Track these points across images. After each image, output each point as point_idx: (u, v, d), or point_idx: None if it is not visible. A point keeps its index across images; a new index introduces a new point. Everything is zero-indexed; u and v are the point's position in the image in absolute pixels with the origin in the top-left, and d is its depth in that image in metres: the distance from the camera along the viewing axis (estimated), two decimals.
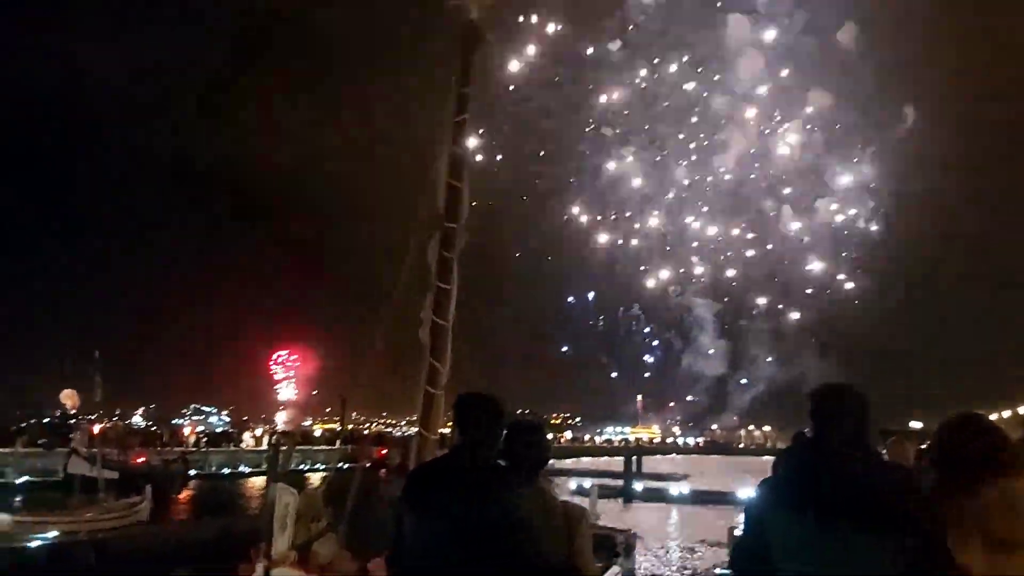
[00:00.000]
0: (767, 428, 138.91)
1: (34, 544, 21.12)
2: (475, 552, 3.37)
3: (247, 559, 8.28)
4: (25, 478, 46.55)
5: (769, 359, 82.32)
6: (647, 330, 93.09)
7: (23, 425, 72.11)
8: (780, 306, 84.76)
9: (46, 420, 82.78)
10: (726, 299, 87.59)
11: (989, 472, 3.16)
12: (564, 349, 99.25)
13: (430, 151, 7.36)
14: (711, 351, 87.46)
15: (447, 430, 7.38)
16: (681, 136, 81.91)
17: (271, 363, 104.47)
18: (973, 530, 2.96)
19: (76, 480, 33.48)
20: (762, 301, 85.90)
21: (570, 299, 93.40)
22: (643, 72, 79.78)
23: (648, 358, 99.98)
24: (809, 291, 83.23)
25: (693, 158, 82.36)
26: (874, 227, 79.59)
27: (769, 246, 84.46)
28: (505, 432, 3.92)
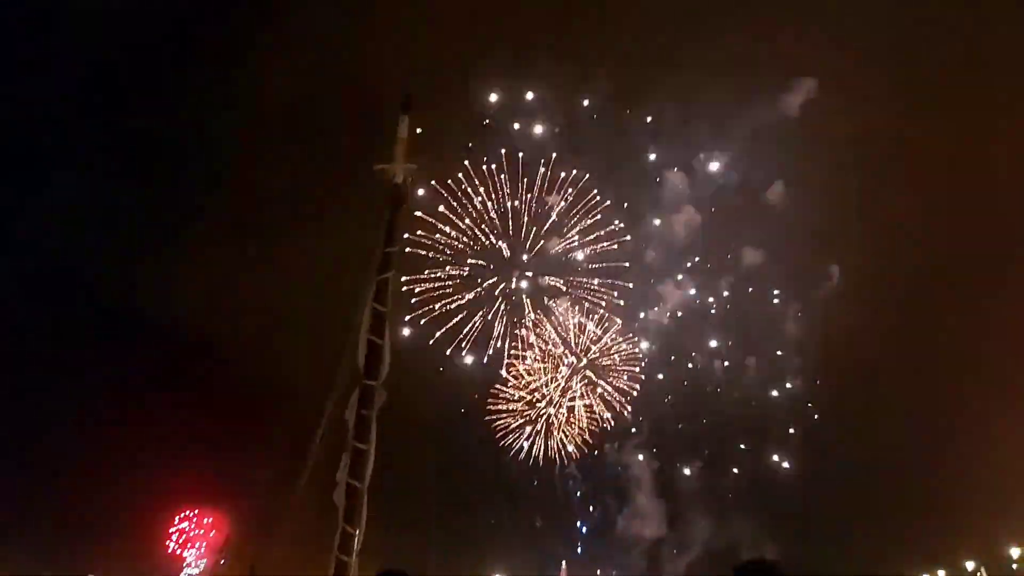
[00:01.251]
0: None
1: None
2: None
3: None
4: None
5: (703, 523, 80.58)
6: (578, 492, 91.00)
7: None
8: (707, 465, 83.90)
9: None
10: (660, 458, 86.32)
11: None
12: (492, 522, 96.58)
13: (352, 308, 7.29)
14: (647, 512, 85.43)
15: None
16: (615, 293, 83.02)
17: (175, 530, 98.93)
18: None
19: None
20: (697, 464, 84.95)
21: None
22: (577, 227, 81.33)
23: (579, 523, 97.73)
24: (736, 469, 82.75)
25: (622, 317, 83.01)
26: (790, 385, 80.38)
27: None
28: None
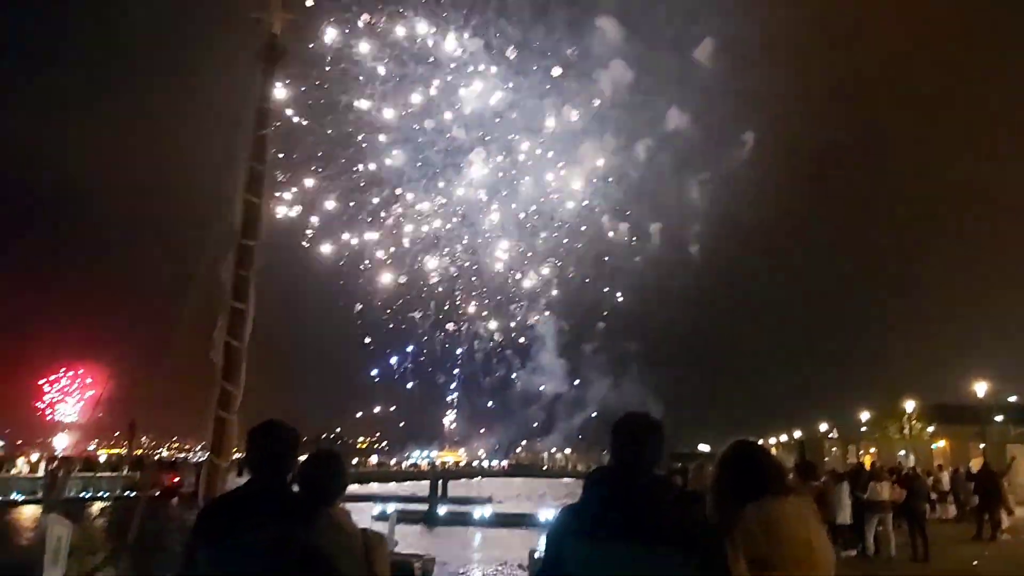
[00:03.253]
0: (568, 451, 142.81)
1: None
2: None
3: None
4: None
5: (604, 383, 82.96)
6: (473, 346, 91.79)
7: None
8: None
9: None
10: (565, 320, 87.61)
11: (752, 496, 3.41)
12: (373, 373, 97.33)
13: (226, 166, 7.04)
14: (550, 369, 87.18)
15: (241, 455, 7.05)
16: (524, 151, 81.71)
17: (50, 382, 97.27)
18: (740, 551, 3.15)
19: None
20: (602, 326, 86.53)
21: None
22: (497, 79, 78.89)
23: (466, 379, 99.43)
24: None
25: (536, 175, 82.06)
26: (694, 250, 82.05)
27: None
28: (302, 461, 3.83)
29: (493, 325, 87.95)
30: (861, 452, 55.01)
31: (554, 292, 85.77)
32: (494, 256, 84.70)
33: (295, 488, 3.73)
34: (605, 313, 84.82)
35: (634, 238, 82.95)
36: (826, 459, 52.63)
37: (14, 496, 58.42)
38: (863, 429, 73.58)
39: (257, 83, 7.19)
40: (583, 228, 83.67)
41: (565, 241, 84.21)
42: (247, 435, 3.83)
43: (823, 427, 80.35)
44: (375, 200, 79.46)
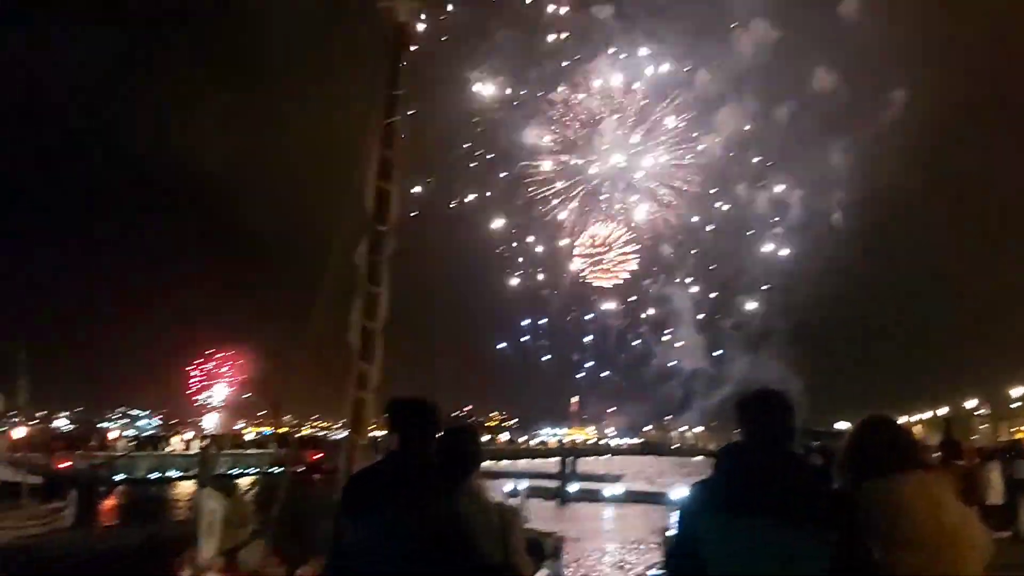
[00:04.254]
0: (700, 429, 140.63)
1: None
2: (415, 556, 3.39)
3: (172, 568, 8.12)
4: None
5: (744, 359, 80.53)
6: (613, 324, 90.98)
7: None
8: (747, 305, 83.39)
9: None
10: (710, 294, 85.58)
11: (878, 472, 3.31)
12: (501, 346, 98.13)
13: (359, 153, 7.25)
14: (688, 345, 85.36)
15: (379, 433, 7.31)
16: (658, 119, 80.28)
17: (202, 365, 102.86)
18: (876, 528, 3.07)
19: None
20: (752, 305, 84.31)
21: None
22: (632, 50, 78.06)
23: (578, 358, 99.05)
24: (766, 287, 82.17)
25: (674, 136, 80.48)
26: (836, 219, 78.67)
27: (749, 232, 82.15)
28: (439, 435, 3.93)
29: (626, 301, 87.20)
30: (1013, 429, 52.17)
31: (691, 264, 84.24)
32: (627, 228, 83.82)
33: (435, 460, 3.83)
34: (743, 287, 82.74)
35: (774, 208, 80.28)
36: (974, 437, 50.18)
37: (171, 473, 62.19)
38: (1015, 405, 69.69)
39: (384, 71, 7.37)
40: (718, 202, 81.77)
41: (699, 216, 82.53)
42: (389, 409, 3.94)
43: (971, 404, 76.59)
44: (504, 175, 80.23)
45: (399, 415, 3.85)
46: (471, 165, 79.64)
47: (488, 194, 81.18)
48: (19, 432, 40.32)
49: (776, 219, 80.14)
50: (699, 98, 78.00)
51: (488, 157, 79.49)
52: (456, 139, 76.82)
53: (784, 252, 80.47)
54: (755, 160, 79.25)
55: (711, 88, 76.80)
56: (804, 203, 78.50)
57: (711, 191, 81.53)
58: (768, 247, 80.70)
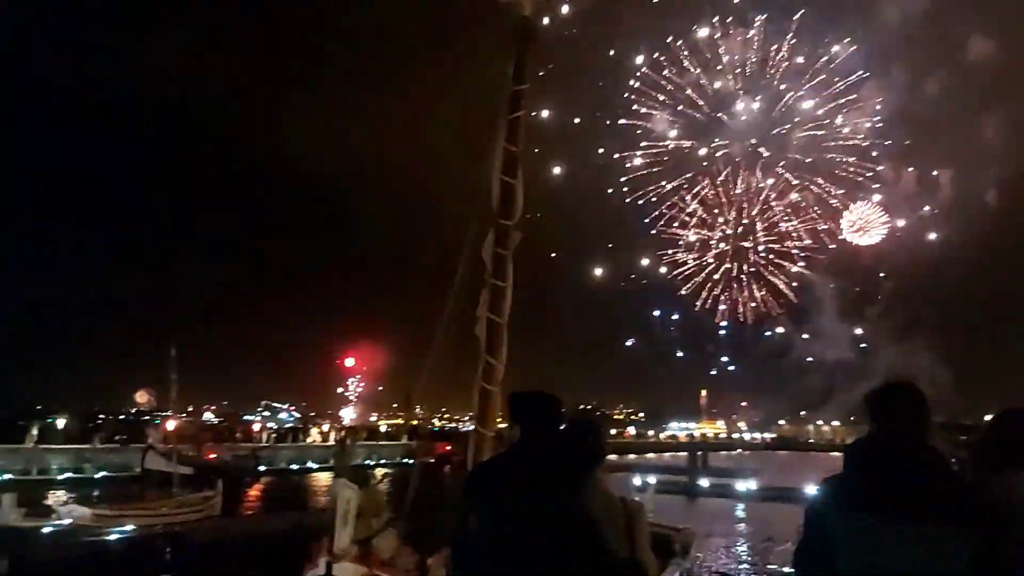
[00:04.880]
0: (836, 423, 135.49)
1: (112, 536, 21.79)
2: (538, 549, 3.38)
3: (310, 554, 8.43)
4: (103, 473, 48.09)
5: (890, 350, 76.14)
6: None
7: (100, 422, 74.31)
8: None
9: (122, 416, 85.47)
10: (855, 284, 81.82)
11: (1008, 467, 3.09)
12: (629, 343, 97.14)
13: (483, 148, 7.35)
14: (828, 335, 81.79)
15: (505, 425, 7.39)
16: (795, 95, 77.59)
17: (340, 359, 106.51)
18: (1016, 523, 2.89)
19: (152, 475, 34.65)
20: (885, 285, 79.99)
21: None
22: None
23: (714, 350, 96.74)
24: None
25: (817, 112, 77.59)
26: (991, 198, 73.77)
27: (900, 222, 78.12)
28: (563, 428, 3.92)
29: (763, 291, 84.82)
30: None
31: (831, 248, 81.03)
32: (763, 213, 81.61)
33: (559, 453, 3.82)
34: (886, 274, 78.90)
35: (920, 186, 76.09)
36: None
37: (310, 464, 64.60)
38: None
39: (510, 66, 7.42)
40: (861, 179, 78.20)
41: (841, 193, 79.13)
42: (511, 402, 3.97)
43: None
44: (638, 160, 79.61)
45: (520, 408, 3.86)
46: (614, 156, 79.49)
47: (625, 177, 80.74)
48: (170, 425, 42.73)
49: (924, 200, 76.00)
50: (840, 72, 74.86)
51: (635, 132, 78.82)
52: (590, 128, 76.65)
53: (932, 236, 76.29)
54: (902, 138, 75.31)
55: (853, 62, 73.45)
56: (955, 182, 73.92)
57: (850, 170, 78.10)
58: (916, 230, 76.70)
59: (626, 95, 78.82)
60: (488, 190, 7.32)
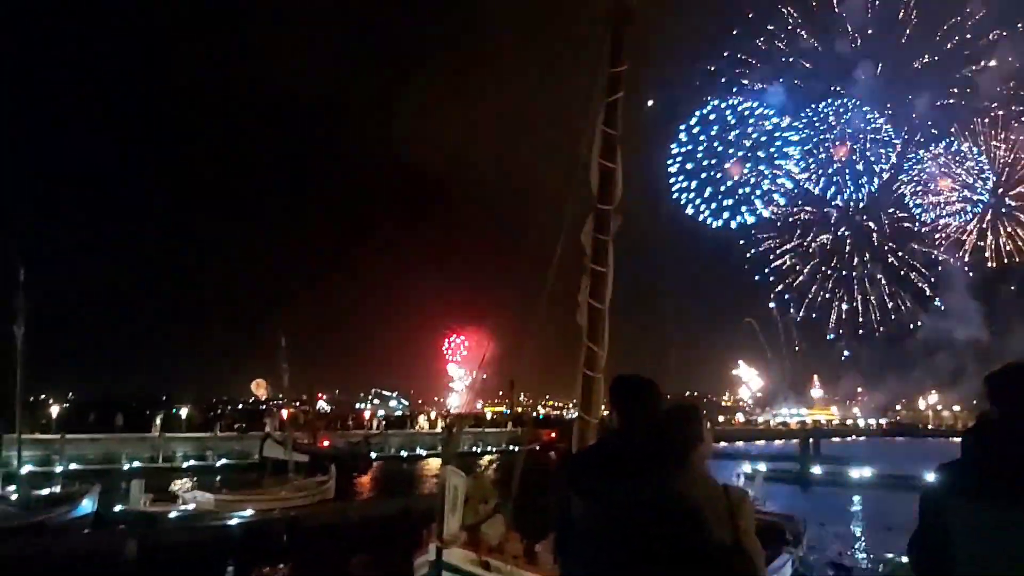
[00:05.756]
0: (956, 408, 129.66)
1: (233, 521, 22.70)
2: (639, 535, 3.36)
3: (421, 538, 8.58)
4: (223, 460, 50.11)
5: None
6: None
7: (219, 412, 77.31)
8: None
9: (240, 406, 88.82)
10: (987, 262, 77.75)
11: None
12: (747, 320, 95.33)
13: (582, 132, 7.29)
14: (959, 313, 77.62)
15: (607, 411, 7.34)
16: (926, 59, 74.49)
17: (445, 346, 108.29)
18: None
19: (269, 462, 35.95)
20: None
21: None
22: None
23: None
24: None
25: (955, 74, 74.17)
26: None
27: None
28: (662, 414, 3.89)
29: (886, 270, 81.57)
30: None
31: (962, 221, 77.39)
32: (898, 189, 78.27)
33: (658, 439, 3.79)
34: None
35: None
36: None
37: (419, 450, 65.83)
38: None
39: (606, 50, 7.34)
40: (1000, 148, 74.30)
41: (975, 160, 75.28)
42: (609, 389, 3.97)
43: None
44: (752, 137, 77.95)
45: (619, 394, 3.84)
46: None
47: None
48: (284, 414, 44.23)
49: None
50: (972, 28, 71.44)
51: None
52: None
53: None
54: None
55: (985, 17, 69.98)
56: None
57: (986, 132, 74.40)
58: None
59: None
60: (587, 175, 7.27)
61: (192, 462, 49.28)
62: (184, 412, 65.90)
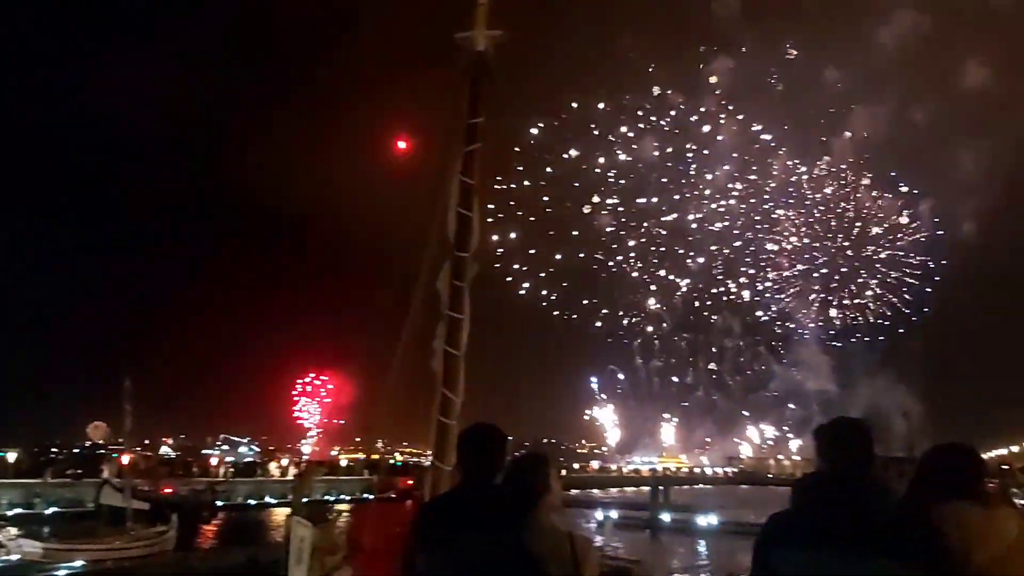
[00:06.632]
0: (796, 457, 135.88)
1: (61, 572, 21.31)
2: None
3: None
4: (53, 508, 47.01)
5: (865, 383, 75.93)
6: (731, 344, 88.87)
7: (52, 456, 72.75)
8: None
9: (76, 450, 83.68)
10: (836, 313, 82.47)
11: (951, 497, 3.07)
12: (593, 380, 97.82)
13: (441, 182, 7.38)
14: (811, 365, 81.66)
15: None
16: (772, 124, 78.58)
17: (297, 390, 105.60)
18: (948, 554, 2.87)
19: (105, 509, 33.91)
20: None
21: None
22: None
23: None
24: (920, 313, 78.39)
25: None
26: (966, 229, 74.44)
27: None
28: (509, 463, 3.90)
29: (738, 326, 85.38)
30: None
31: (814, 279, 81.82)
32: (742, 247, 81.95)
33: (503, 490, 3.79)
34: (870, 304, 79.87)
35: (902, 215, 77.01)
36: None
37: (268, 499, 63.67)
38: None
39: (463, 101, 7.46)
40: (840, 207, 79.01)
41: (825, 221, 79.71)
42: (458, 438, 3.96)
43: None
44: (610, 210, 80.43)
45: (469, 443, 3.85)
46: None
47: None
48: (125, 460, 41.93)
49: (905, 227, 77.26)
50: (830, 97, 75.76)
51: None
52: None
53: (913, 259, 77.30)
54: (884, 166, 76.30)
55: (843, 88, 74.12)
56: (934, 212, 74.50)
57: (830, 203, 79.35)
58: (895, 258, 77.87)
59: None
60: (443, 222, 7.32)
61: (18, 510, 45.92)
62: (12, 456, 61.60)
